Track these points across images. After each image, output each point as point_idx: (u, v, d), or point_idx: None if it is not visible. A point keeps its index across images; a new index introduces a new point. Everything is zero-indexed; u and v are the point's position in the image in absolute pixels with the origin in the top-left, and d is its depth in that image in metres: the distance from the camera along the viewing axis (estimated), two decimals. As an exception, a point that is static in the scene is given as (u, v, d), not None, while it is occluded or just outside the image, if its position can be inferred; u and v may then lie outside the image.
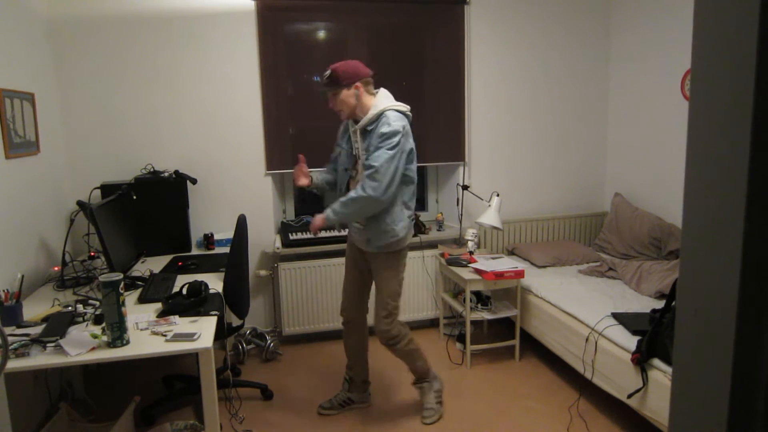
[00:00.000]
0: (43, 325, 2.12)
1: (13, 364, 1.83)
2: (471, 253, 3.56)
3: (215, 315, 2.25)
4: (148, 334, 2.07)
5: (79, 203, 2.64)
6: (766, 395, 0.55)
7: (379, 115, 2.49)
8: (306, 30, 3.70)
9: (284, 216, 3.95)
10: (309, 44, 3.71)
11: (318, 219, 2.54)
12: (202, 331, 2.08)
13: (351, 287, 2.83)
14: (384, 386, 3.13)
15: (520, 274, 3.30)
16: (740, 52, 0.53)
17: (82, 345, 1.94)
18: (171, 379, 3.17)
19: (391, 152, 2.41)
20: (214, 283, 2.61)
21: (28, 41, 2.90)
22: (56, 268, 2.76)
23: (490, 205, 3.61)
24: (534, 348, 3.50)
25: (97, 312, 2.21)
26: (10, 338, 1.94)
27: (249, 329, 3.67)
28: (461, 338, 3.57)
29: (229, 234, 3.08)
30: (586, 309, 2.93)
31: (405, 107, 2.58)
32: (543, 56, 4.04)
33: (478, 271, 3.31)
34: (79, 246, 3.24)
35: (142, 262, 3.07)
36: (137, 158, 3.40)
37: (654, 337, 2.38)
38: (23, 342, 1.95)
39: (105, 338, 1.97)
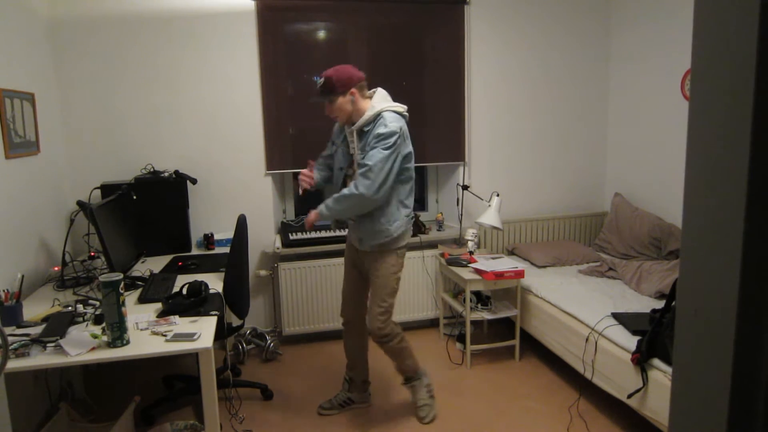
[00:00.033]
0: (43, 325, 2.12)
1: (13, 364, 1.83)
2: (471, 253, 3.56)
3: (215, 315, 2.25)
4: (148, 334, 2.07)
5: (79, 203, 2.64)
6: (766, 395, 0.55)
7: (377, 116, 2.49)
8: (306, 30, 3.70)
9: (284, 216, 3.95)
10: (309, 44, 3.71)
11: (312, 214, 2.57)
12: (202, 331, 2.08)
13: (350, 288, 2.83)
14: (384, 386, 3.13)
15: (520, 274, 3.30)
16: (740, 52, 0.53)
17: (82, 345, 1.94)
18: (171, 379, 3.17)
19: (386, 152, 2.42)
20: (214, 283, 2.61)
21: (28, 41, 2.91)
22: (56, 268, 2.76)
23: (490, 205, 3.61)
24: (534, 348, 3.50)
25: (97, 312, 2.21)
26: (10, 338, 1.94)
27: (249, 329, 3.67)
28: (461, 338, 3.57)
29: (229, 234, 3.08)
30: (586, 309, 2.93)
31: (402, 107, 2.58)
32: (543, 56, 4.04)
33: (478, 271, 3.31)
34: (79, 246, 3.24)
35: (142, 262, 3.07)
36: (137, 158, 3.40)
37: (654, 337, 2.38)
38: (23, 342, 1.95)
39: (105, 338, 1.97)
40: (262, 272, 3.68)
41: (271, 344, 3.52)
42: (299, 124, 3.71)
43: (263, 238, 3.69)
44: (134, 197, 3.01)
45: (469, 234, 3.60)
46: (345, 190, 2.48)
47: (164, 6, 3.38)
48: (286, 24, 3.63)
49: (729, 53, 0.55)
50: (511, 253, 4.01)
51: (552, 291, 3.25)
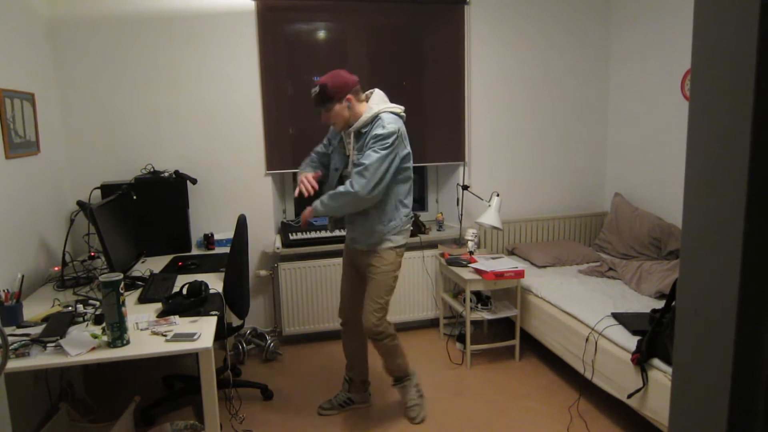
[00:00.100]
0: (43, 325, 2.12)
1: (13, 364, 1.83)
2: (471, 253, 3.56)
3: (215, 315, 2.25)
4: (148, 334, 2.07)
5: (79, 203, 2.64)
6: (766, 395, 0.55)
7: (374, 118, 2.50)
8: (306, 30, 3.70)
9: (284, 216, 3.95)
10: (309, 44, 3.71)
11: (307, 210, 2.58)
12: (202, 331, 2.08)
13: (348, 288, 2.83)
14: (384, 386, 3.13)
15: (520, 274, 3.30)
16: (740, 52, 0.53)
17: (82, 345, 1.94)
18: (171, 379, 3.17)
19: (383, 152, 2.42)
20: (214, 283, 2.61)
21: (28, 41, 2.91)
22: (56, 268, 2.76)
23: (490, 205, 3.61)
24: (534, 348, 3.50)
25: (97, 312, 2.21)
26: (10, 338, 1.94)
27: (249, 329, 3.67)
28: (461, 338, 3.57)
29: (229, 234, 3.08)
30: (586, 309, 2.93)
31: (399, 108, 2.58)
32: (543, 56, 4.04)
33: (478, 271, 3.31)
34: (79, 246, 3.24)
35: (142, 262, 3.07)
36: (137, 158, 3.40)
37: (654, 337, 2.38)
38: (23, 342, 1.95)
39: (105, 338, 1.97)
40: (262, 272, 3.68)
41: (271, 344, 3.52)
42: (299, 124, 3.71)
43: (263, 238, 3.69)
44: (134, 197, 3.01)
45: (469, 234, 3.60)
46: (340, 188, 2.48)
47: (164, 6, 3.38)
48: (286, 24, 3.63)
49: (729, 53, 0.55)
50: (511, 253, 4.01)
51: (552, 291, 3.25)
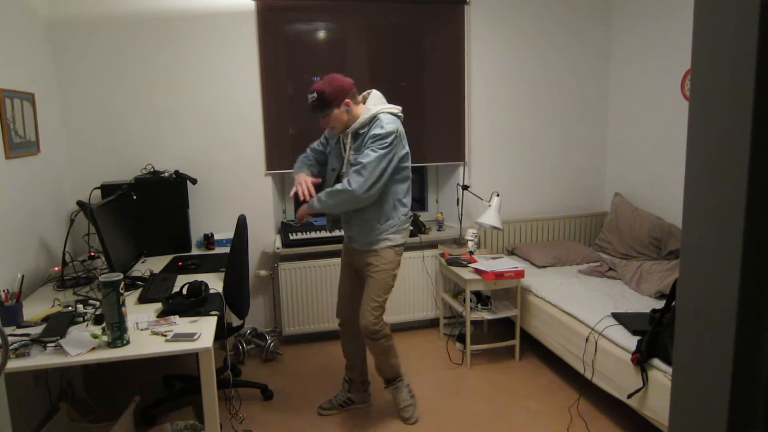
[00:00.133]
0: (43, 325, 2.12)
1: (13, 364, 1.83)
2: (471, 253, 3.56)
3: (215, 315, 2.25)
4: (148, 334, 2.07)
5: (79, 203, 2.64)
6: (766, 395, 0.55)
7: (373, 118, 2.50)
8: (306, 30, 3.70)
9: (284, 216, 3.95)
10: (309, 44, 3.71)
11: (303, 207, 2.58)
12: (202, 331, 2.08)
13: (346, 288, 2.83)
14: (383, 386, 3.13)
15: (520, 274, 3.30)
16: (740, 52, 0.53)
17: (82, 345, 1.94)
18: (171, 379, 3.17)
19: (382, 152, 2.42)
20: (214, 283, 2.61)
21: (28, 41, 2.91)
22: (56, 268, 2.76)
23: (490, 205, 3.61)
24: (534, 348, 3.50)
25: (97, 312, 2.21)
26: (10, 338, 1.94)
27: (249, 329, 3.67)
28: (461, 338, 3.57)
29: (229, 234, 3.08)
30: (586, 309, 2.93)
31: (397, 109, 2.59)
32: (543, 56, 4.04)
33: (478, 271, 3.31)
34: (79, 246, 3.24)
35: (142, 262, 3.07)
36: (137, 158, 3.40)
37: (654, 337, 2.38)
38: (23, 342, 1.95)
39: (105, 338, 1.97)
40: (262, 272, 3.68)
41: (271, 344, 3.52)
42: (299, 124, 3.70)
43: (263, 238, 3.69)
44: (134, 197, 3.01)
45: (469, 234, 3.60)
46: (338, 186, 2.48)
47: (164, 6, 3.38)
48: (286, 24, 3.63)
49: (729, 53, 0.55)
50: (511, 253, 4.01)
51: (552, 291, 3.25)
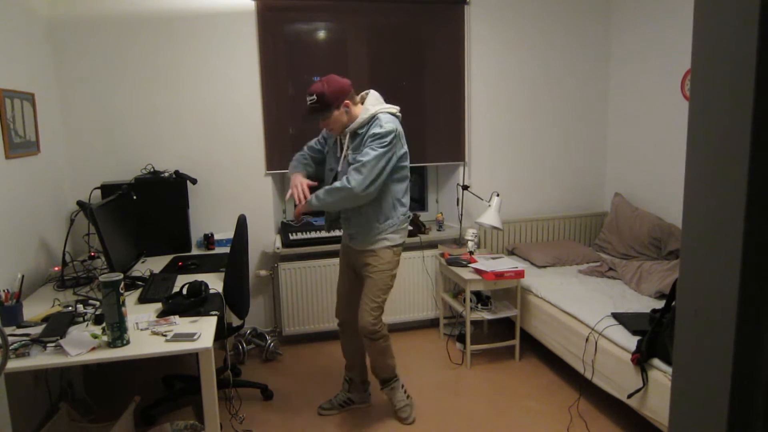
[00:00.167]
0: (43, 325, 2.12)
1: (13, 364, 1.83)
2: (471, 253, 3.56)
3: (215, 315, 2.25)
4: (148, 334, 2.07)
5: (79, 203, 2.64)
6: (766, 395, 0.55)
7: (372, 118, 2.50)
8: (306, 30, 3.70)
9: (284, 216, 3.95)
10: (309, 44, 3.71)
11: (301, 204, 2.56)
12: (202, 331, 2.08)
13: (345, 288, 2.83)
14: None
15: (520, 274, 3.30)
16: (740, 52, 0.53)
17: (82, 345, 1.94)
18: (171, 379, 3.16)
19: (381, 150, 2.42)
20: (214, 283, 2.61)
21: (28, 41, 2.91)
22: (56, 268, 2.76)
23: (490, 205, 3.61)
24: (534, 348, 3.50)
25: (97, 312, 2.21)
26: (10, 338, 1.94)
27: (249, 329, 3.67)
28: (461, 338, 3.57)
29: (229, 234, 3.08)
30: (586, 309, 2.93)
31: (395, 108, 2.59)
32: (543, 56, 4.04)
33: (478, 271, 3.31)
34: (79, 246, 3.24)
35: (142, 262, 3.07)
36: (137, 158, 3.40)
37: (654, 337, 2.38)
38: (23, 342, 1.95)
39: (105, 338, 1.97)
40: (262, 272, 3.68)
41: (271, 344, 3.52)
42: (299, 124, 3.70)
43: (263, 238, 3.69)
44: (134, 197, 3.01)
45: (469, 234, 3.60)
46: (337, 183, 2.48)
47: (164, 6, 3.38)
48: (286, 24, 3.63)
49: (729, 53, 0.55)
50: (511, 253, 4.01)
51: (552, 291, 3.25)
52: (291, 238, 3.56)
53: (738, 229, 0.54)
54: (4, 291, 2.21)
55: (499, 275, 3.25)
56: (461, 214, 3.92)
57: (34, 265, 2.74)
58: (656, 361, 2.36)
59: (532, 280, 3.41)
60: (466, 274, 3.33)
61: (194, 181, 3.34)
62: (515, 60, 3.99)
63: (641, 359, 2.39)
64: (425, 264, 3.82)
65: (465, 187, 3.85)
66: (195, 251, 3.34)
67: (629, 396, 2.43)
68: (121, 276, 1.98)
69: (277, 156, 3.67)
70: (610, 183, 4.27)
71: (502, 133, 4.05)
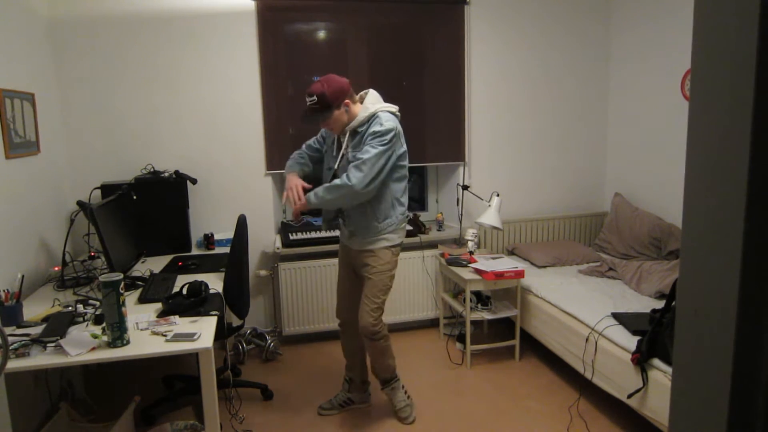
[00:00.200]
0: (43, 325, 2.12)
1: (13, 364, 1.83)
2: (471, 253, 3.56)
3: (215, 315, 2.25)
4: (148, 334, 2.07)
5: (79, 203, 2.64)
6: (766, 395, 0.55)
7: (371, 116, 2.50)
8: (306, 30, 3.70)
9: (284, 216, 3.95)
10: (309, 44, 3.71)
11: (300, 202, 2.54)
12: (202, 331, 2.08)
13: (345, 289, 2.83)
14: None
15: (520, 274, 3.30)
16: (740, 52, 0.53)
17: (82, 345, 1.94)
18: (171, 379, 3.17)
19: (381, 148, 2.43)
20: (214, 283, 2.61)
21: (28, 41, 2.91)
22: (56, 268, 2.76)
23: (490, 205, 3.61)
24: (534, 348, 3.50)
25: (98, 312, 2.21)
26: (10, 338, 1.94)
27: (249, 329, 3.67)
28: (461, 338, 3.57)
29: (229, 234, 3.08)
30: (586, 309, 2.93)
31: (394, 108, 2.59)
32: (543, 56, 4.04)
33: (478, 271, 3.31)
34: (79, 246, 3.24)
35: (142, 262, 3.07)
36: (137, 158, 3.40)
37: (654, 337, 2.38)
38: (23, 342, 1.95)
39: (105, 338, 1.97)
40: (262, 272, 3.68)
41: (271, 344, 3.52)
42: (299, 124, 3.70)
43: (263, 238, 3.69)
44: (134, 197, 3.01)
45: (469, 234, 3.60)
46: (336, 181, 2.47)
47: (164, 6, 3.38)
48: (286, 24, 3.63)
49: (729, 53, 0.55)
50: (511, 253, 4.01)
51: (552, 291, 3.25)
52: (291, 238, 3.56)
53: (738, 229, 0.54)
54: (4, 291, 2.21)
55: (499, 275, 3.25)
56: (461, 214, 3.92)
57: (34, 265, 2.74)
58: (656, 361, 2.36)
59: (532, 280, 3.41)
60: (466, 274, 3.33)
61: (194, 181, 3.34)
62: (515, 60, 3.99)
63: (641, 359, 2.39)
64: (425, 264, 3.82)
65: (465, 187, 3.85)
66: (195, 251, 3.34)
67: (629, 396, 2.43)
68: (121, 276, 1.98)
69: (277, 156, 3.66)
70: (610, 183, 4.27)
71: (502, 133, 4.05)
